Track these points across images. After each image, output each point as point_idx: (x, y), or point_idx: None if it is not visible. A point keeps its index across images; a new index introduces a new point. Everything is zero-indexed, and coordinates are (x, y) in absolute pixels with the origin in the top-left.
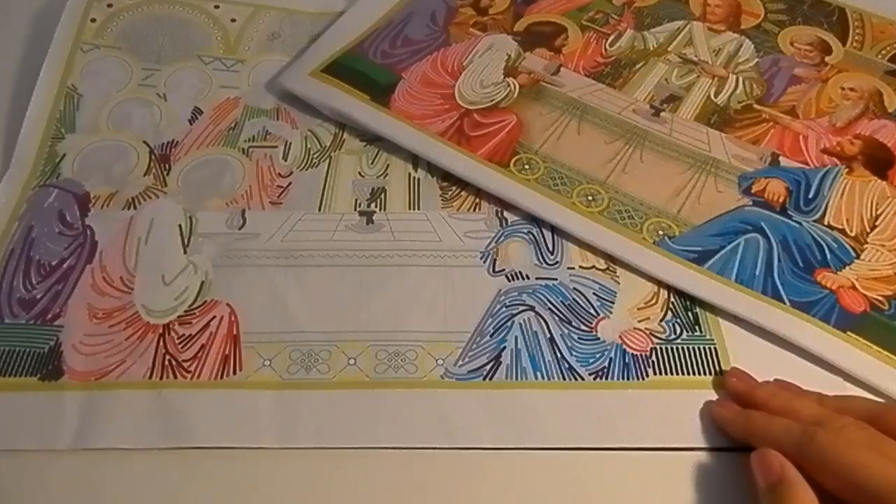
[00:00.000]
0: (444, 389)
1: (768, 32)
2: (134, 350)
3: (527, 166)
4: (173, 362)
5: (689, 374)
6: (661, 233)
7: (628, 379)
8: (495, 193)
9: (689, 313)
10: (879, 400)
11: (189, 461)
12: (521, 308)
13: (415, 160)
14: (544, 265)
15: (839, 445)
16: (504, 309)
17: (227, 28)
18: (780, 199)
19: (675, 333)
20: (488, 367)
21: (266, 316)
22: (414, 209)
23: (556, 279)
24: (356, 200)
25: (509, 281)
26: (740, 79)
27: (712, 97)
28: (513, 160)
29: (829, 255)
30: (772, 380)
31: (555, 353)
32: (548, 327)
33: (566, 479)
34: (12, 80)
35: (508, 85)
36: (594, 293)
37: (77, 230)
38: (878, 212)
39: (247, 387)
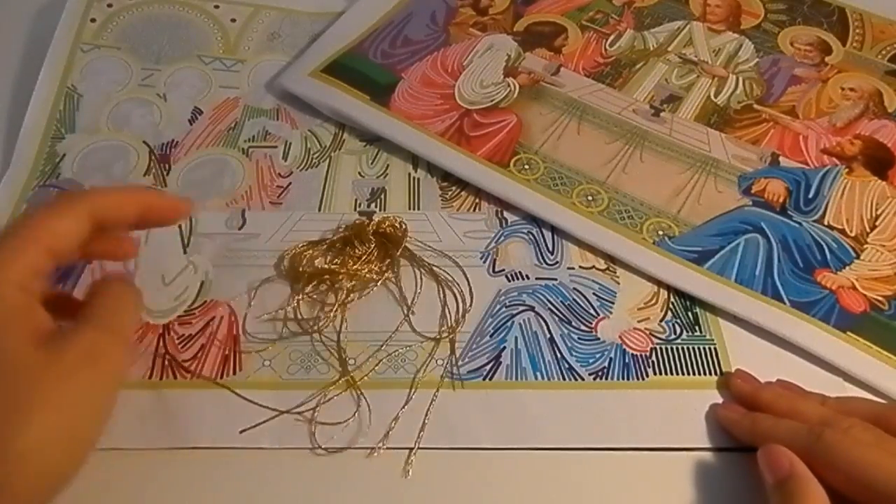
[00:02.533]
0: (444, 389)
1: (768, 32)
2: (133, 350)
3: (527, 166)
4: (173, 362)
5: (688, 374)
6: (661, 233)
7: (628, 379)
8: (495, 193)
9: (689, 313)
10: (880, 400)
11: (189, 461)
12: (521, 308)
13: (415, 160)
14: (544, 265)
15: (846, 444)
16: (504, 309)
17: (227, 28)
18: (780, 199)
19: (675, 333)
20: (488, 367)
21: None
22: (414, 209)
23: (555, 279)
24: (356, 200)
25: (509, 281)
26: (740, 79)
27: (712, 97)
28: (513, 160)
29: (829, 255)
30: (774, 380)
31: (555, 353)
32: (548, 327)
33: (566, 479)
34: (12, 80)
35: (508, 85)
36: (594, 293)
37: None
38: (878, 212)
39: (247, 387)
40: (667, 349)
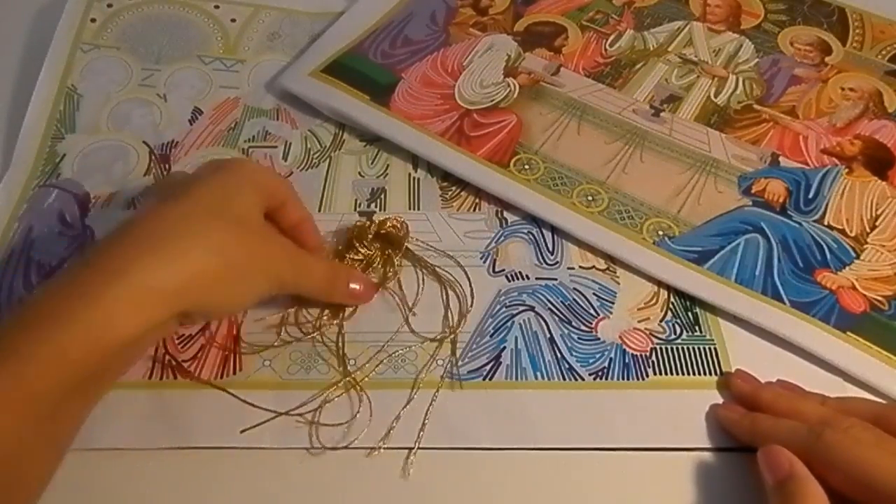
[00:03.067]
0: (444, 390)
1: (768, 32)
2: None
3: (527, 166)
4: (173, 362)
5: (688, 374)
6: (661, 233)
7: (628, 379)
8: (495, 193)
9: (689, 313)
10: (880, 401)
11: (189, 461)
12: (521, 308)
13: (415, 160)
14: (544, 265)
15: (846, 444)
16: (504, 309)
17: (227, 28)
18: (780, 200)
19: (675, 333)
20: (488, 367)
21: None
22: (414, 209)
23: (556, 279)
24: (356, 201)
25: (509, 281)
26: (740, 79)
27: (712, 97)
28: (513, 160)
29: (829, 256)
30: (774, 380)
31: (555, 353)
32: (548, 327)
33: (566, 479)
34: (12, 80)
35: (508, 85)
36: (594, 293)
37: (77, 230)
38: (878, 212)
39: (247, 387)
40: (667, 349)
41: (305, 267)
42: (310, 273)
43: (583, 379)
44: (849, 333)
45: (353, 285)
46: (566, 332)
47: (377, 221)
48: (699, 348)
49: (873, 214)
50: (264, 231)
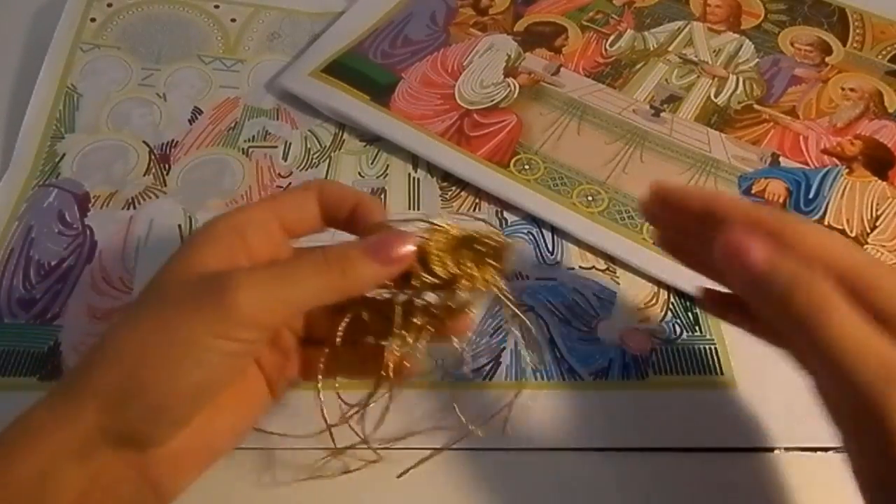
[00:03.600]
0: (444, 390)
1: (768, 33)
2: None
3: (527, 166)
4: None
5: (689, 374)
6: None
7: (628, 379)
8: (495, 194)
9: (689, 313)
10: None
11: None
12: (521, 308)
13: (415, 160)
14: (544, 265)
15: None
16: (504, 309)
17: (227, 28)
18: (781, 200)
19: (675, 334)
20: (488, 367)
21: None
22: (414, 209)
23: (555, 279)
24: None
25: (509, 281)
26: (740, 79)
27: (712, 97)
28: (513, 160)
29: None
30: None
31: (555, 353)
32: (548, 328)
33: (566, 480)
34: (12, 80)
35: (508, 85)
36: (594, 293)
37: (76, 230)
38: (879, 212)
39: None
40: (667, 349)
41: (288, 281)
42: (299, 279)
43: (583, 379)
44: None
45: (401, 250)
46: (566, 332)
47: (470, 234)
48: (699, 348)
49: (874, 215)
50: (201, 293)
